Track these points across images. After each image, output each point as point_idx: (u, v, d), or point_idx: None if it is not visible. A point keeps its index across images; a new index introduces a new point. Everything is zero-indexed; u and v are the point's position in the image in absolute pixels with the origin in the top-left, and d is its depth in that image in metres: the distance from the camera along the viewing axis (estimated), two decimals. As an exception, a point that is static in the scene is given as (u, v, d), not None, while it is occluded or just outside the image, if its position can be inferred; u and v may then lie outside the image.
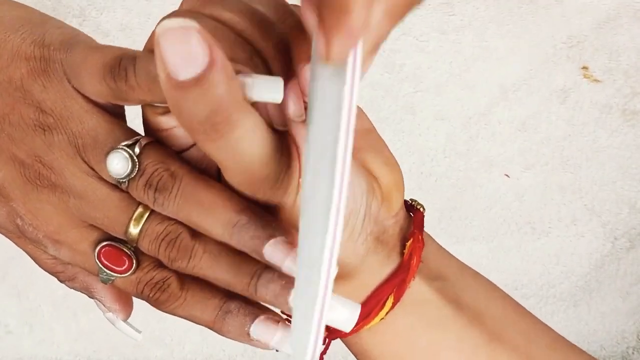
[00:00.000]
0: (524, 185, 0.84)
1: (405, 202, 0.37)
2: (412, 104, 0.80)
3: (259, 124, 0.28)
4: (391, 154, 0.35)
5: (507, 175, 0.84)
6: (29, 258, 0.35)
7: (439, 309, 0.36)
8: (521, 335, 0.37)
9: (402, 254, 0.35)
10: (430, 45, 0.78)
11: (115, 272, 0.33)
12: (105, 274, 0.33)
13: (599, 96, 0.81)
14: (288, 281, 0.31)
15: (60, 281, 0.36)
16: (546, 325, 0.39)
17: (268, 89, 0.28)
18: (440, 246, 0.38)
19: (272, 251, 0.30)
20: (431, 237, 0.38)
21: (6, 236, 0.36)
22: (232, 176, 0.30)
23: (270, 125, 0.30)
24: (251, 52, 0.30)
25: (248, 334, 0.33)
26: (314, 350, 0.28)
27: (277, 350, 0.34)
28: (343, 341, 0.37)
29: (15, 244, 0.36)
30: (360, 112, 0.36)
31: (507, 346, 0.36)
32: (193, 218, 0.31)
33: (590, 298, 0.90)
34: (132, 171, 0.30)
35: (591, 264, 0.88)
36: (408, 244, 0.35)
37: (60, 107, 0.32)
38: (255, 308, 0.33)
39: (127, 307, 0.36)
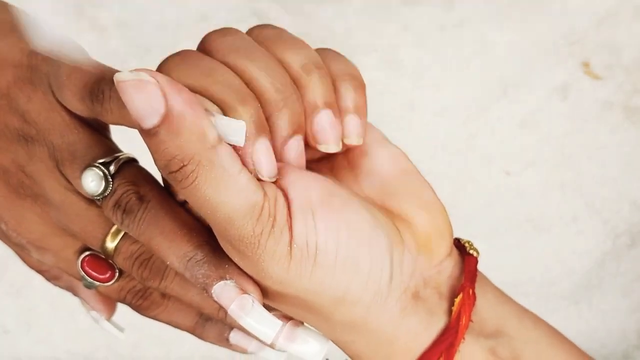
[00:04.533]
0: (524, 183, 0.84)
1: (458, 242, 0.35)
2: (411, 100, 0.79)
3: (222, 181, 0.28)
4: (433, 196, 0.34)
5: (507, 172, 0.83)
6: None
7: None
8: None
9: (449, 311, 0.33)
10: (430, 41, 0.78)
11: (98, 281, 0.33)
12: (88, 281, 0.34)
13: (600, 93, 0.80)
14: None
15: (46, 279, 0.37)
16: None
17: (228, 130, 0.28)
18: (496, 290, 0.35)
19: (220, 293, 0.30)
20: (487, 281, 0.35)
21: None
22: (213, 229, 0.30)
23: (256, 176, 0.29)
24: (245, 100, 0.29)
25: (227, 340, 0.34)
26: None
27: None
28: None
29: (4, 241, 0.36)
30: (398, 152, 0.34)
31: None
32: (152, 244, 0.31)
33: (591, 296, 0.90)
34: (105, 190, 0.31)
35: (592, 262, 0.87)
36: (457, 300, 0.33)
37: (44, 119, 0.32)
38: None
39: (111, 307, 0.37)
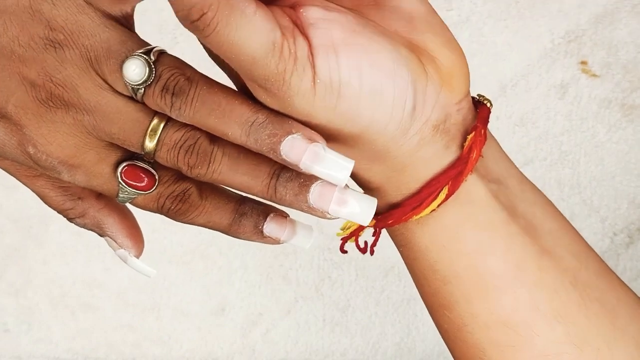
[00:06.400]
0: (523, 181, 0.84)
1: (472, 98, 0.36)
2: (410, 99, 0.79)
3: (240, 23, 0.28)
4: (452, 36, 0.35)
5: (505, 170, 0.84)
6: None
7: (491, 212, 0.34)
8: (572, 256, 0.36)
9: (462, 146, 0.34)
10: (428, 40, 0.78)
11: (138, 189, 0.33)
12: (127, 192, 0.33)
13: (598, 91, 0.81)
14: (306, 179, 0.32)
15: (70, 219, 0.36)
16: (596, 253, 0.37)
17: None
18: (503, 151, 0.37)
19: (290, 148, 0.31)
20: (495, 139, 0.36)
21: (14, 174, 0.35)
22: (240, 73, 0.30)
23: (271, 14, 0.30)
24: None
25: (261, 232, 0.34)
26: None
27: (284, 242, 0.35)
28: (388, 230, 0.36)
29: (24, 182, 0.35)
30: None
31: (557, 264, 0.35)
32: (210, 120, 0.31)
33: (589, 294, 0.90)
34: (148, 77, 0.31)
35: (590, 260, 0.88)
36: (469, 136, 0.34)
37: (71, 22, 0.32)
38: (265, 207, 0.34)
39: (139, 244, 0.37)
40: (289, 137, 0.31)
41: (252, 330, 0.85)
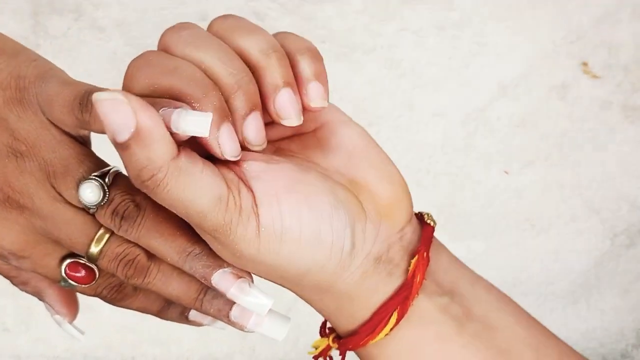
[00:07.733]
0: (523, 182, 0.84)
1: (418, 214, 0.39)
2: (411, 100, 0.79)
3: (188, 182, 0.32)
4: (393, 167, 0.37)
5: (506, 171, 0.84)
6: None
7: (444, 326, 0.37)
8: (530, 349, 0.38)
9: (407, 271, 0.36)
10: (429, 41, 0.78)
11: (80, 283, 0.36)
12: (67, 283, 0.36)
13: (599, 92, 0.81)
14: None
15: (13, 284, 0.39)
16: (557, 338, 0.39)
17: (194, 123, 0.31)
18: (453, 258, 0.39)
19: (220, 279, 0.35)
20: (444, 248, 0.39)
21: None
22: (190, 222, 0.34)
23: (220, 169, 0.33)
24: (207, 90, 0.32)
25: (186, 317, 0.39)
26: None
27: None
28: (355, 352, 0.39)
29: None
30: (361, 130, 0.38)
31: None
32: (152, 244, 0.35)
33: (589, 295, 0.90)
34: (102, 200, 0.34)
35: (590, 261, 0.88)
36: (413, 261, 0.36)
37: (34, 136, 0.35)
38: None
39: (74, 311, 0.41)
40: (220, 270, 0.35)
41: (252, 330, 0.85)
